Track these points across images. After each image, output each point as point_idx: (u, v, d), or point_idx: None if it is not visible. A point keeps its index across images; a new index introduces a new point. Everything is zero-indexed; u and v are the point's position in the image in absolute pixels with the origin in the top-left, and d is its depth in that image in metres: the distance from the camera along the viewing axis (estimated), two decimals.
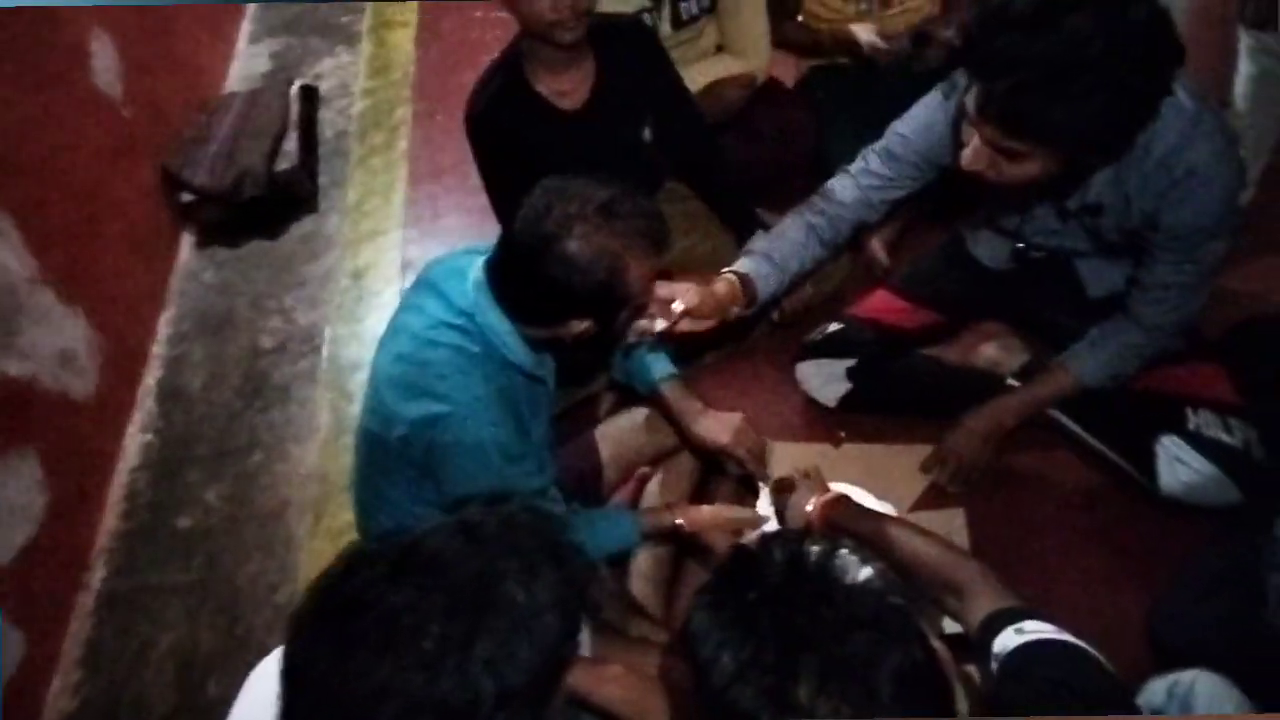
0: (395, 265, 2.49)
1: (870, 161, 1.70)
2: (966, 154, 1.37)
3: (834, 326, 1.92)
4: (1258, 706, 1.26)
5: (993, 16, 1.24)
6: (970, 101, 1.31)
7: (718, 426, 1.65)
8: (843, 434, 1.91)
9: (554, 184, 1.28)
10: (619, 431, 1.76)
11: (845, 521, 1.35)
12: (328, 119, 2.96)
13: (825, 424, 1.93)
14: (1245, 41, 1.85)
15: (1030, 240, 1.71)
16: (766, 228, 1.88)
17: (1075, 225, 1.60)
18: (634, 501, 1.78)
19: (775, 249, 1.70)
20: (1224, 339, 1.83)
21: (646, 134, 1.84)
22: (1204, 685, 1.29)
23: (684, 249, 1.96)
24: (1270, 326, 1.82)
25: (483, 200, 1.92)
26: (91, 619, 1.90)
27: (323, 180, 2.77)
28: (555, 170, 1.69)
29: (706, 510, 1.60)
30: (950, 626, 1.23)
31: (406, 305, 1.45)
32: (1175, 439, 1.65)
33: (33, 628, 1.77)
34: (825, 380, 1.90)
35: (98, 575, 1.96)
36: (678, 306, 1.48)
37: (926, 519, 1.69)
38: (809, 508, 1.41)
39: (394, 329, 1.42)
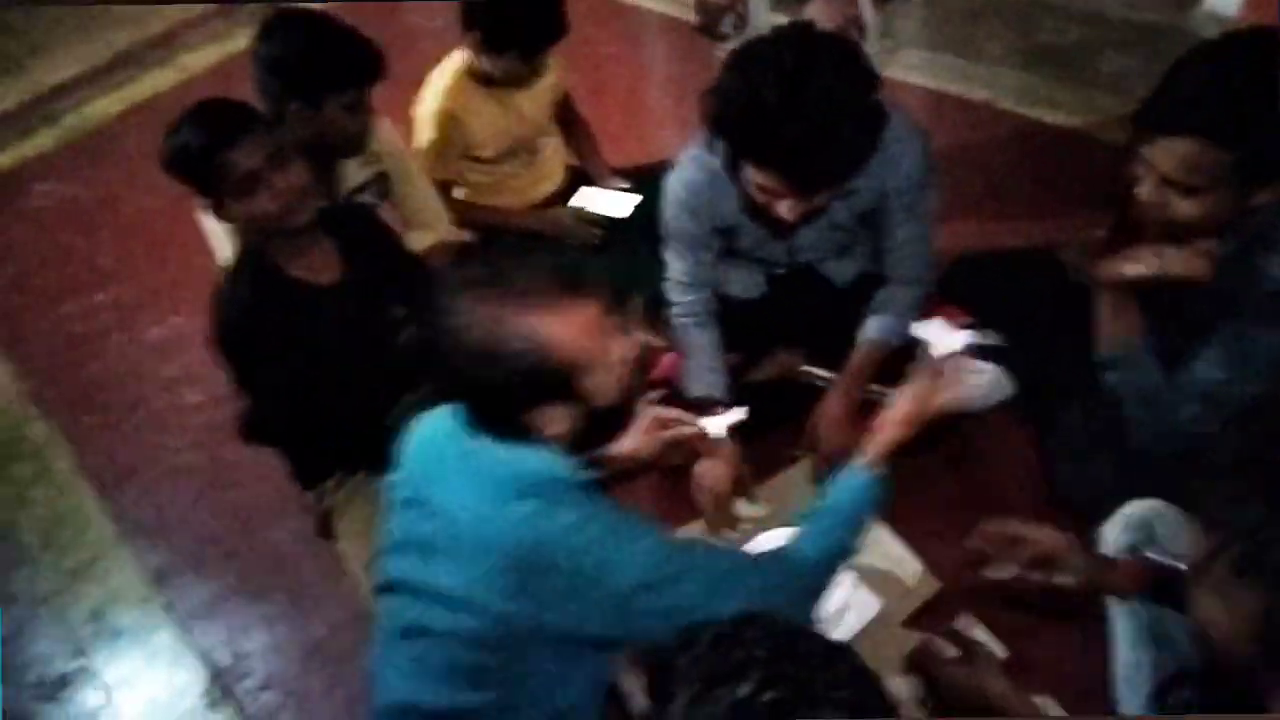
0: None
1: (678, 258, 1.85)
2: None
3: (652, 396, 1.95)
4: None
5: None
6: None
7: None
8: (795, 453, 1.96)
9: (447, 278, 1.17)
10: None
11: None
12: None
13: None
14: None
15: (800, 259, 1.90)
16: None
17: (815, 228, 1.80)
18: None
19: (709, 360, 1.87)
20: (941, 284, 2.14)
21: (399, 310, 1.80)
22: (1141, 507, 1.44)
23: None
24: (971, 264, 2.17)
25: None
26: None
27: None
28: (320, 350, 1.65)
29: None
30: None
31: (437, 515, 1.19)
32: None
33: None
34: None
35: None
36: None
37: None
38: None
39: (446, 549, 1.17)
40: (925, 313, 1.95)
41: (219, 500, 2.21)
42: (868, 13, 2.07)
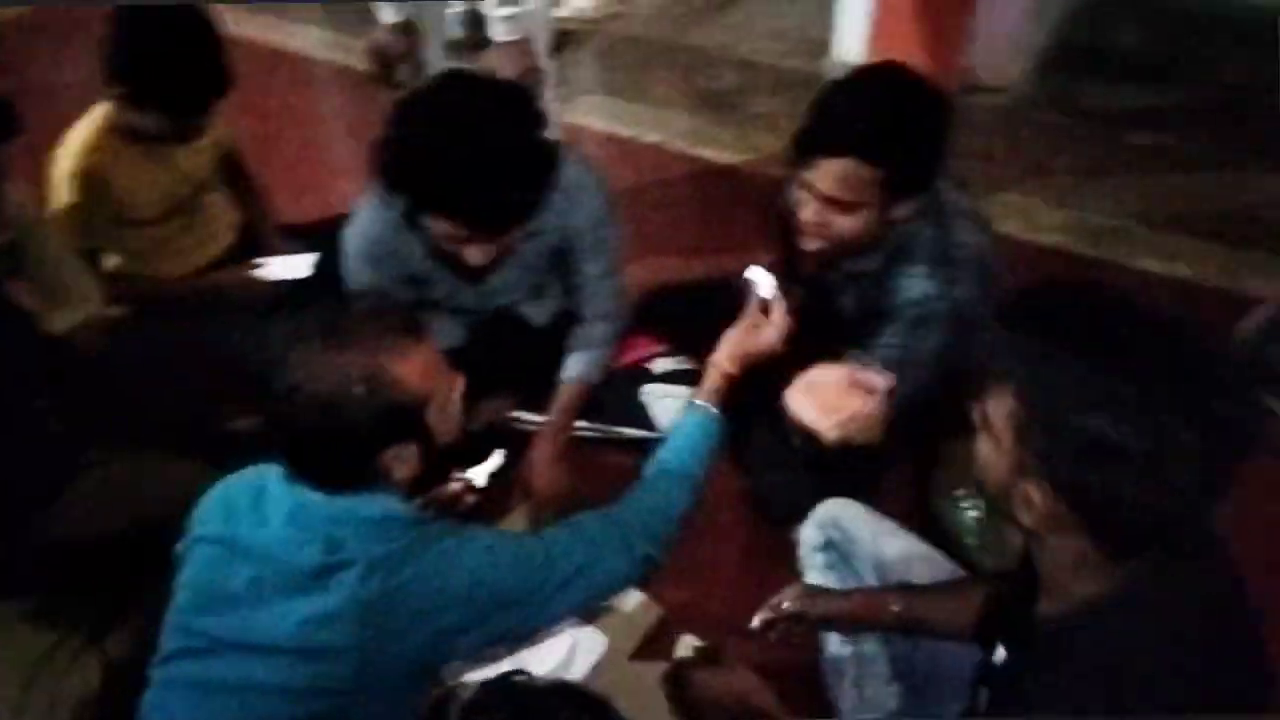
0: None
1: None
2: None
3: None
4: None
5: None
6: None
7: None
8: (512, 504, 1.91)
9: (278, 332, 1.18)
10: None
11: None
12: None
13: None
14: None
15: (495, 303, 1.89)
16: None
17: (507, 271, 1.80)
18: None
19: None
20: (635, 316, 2.23)
21: (41, 402, 1.63)
22: (830, 505, 1.57)
23: None
24: (661, 295, 2.28)
25: None
26: None
27: None
28: None
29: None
30: None
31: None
32: (652, 385, 2.07)
33: None
34: None
35: None
36: None
37: None
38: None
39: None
40: (623, 343, 2.04)
41: None
42: (543, 60, 2.12)
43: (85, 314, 1.92)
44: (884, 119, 1.42)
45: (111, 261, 2.08)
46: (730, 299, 2.12)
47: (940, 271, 1.52)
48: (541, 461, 1.85)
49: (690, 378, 2.00)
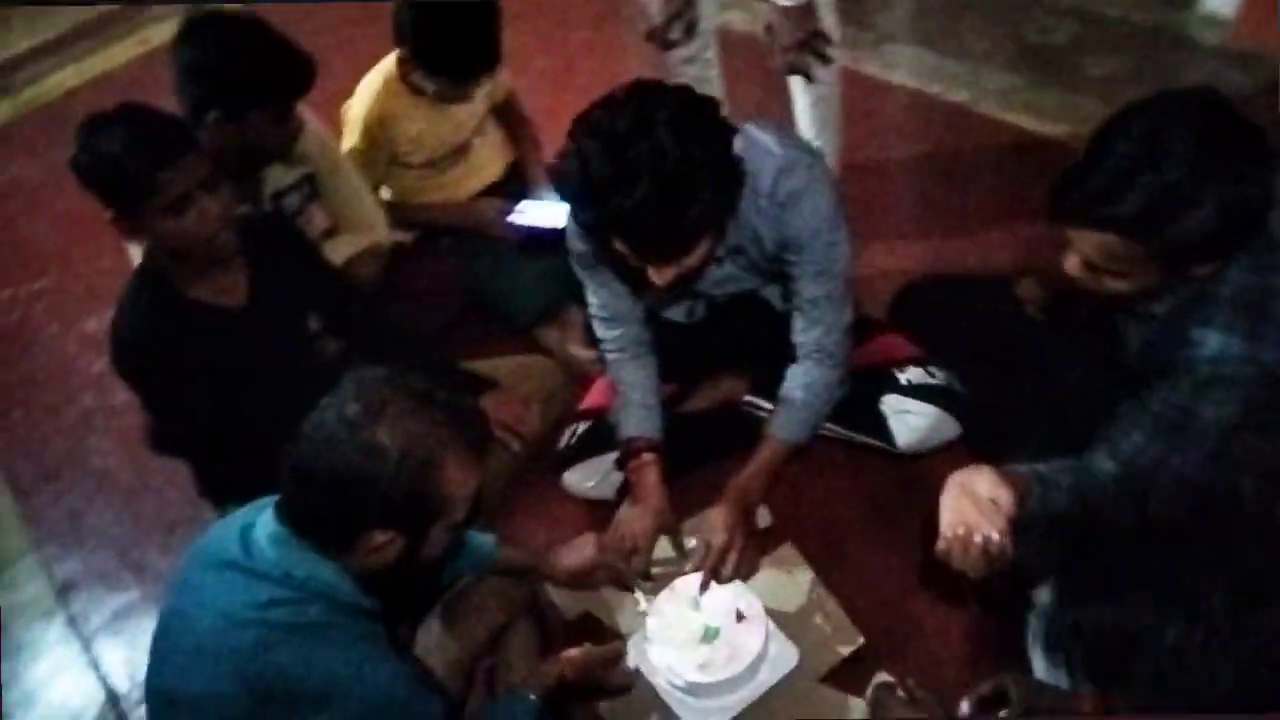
0: None
1: (593, 290, 1.75)
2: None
3: (582, 427, 1.90)
4: None
5: None
6: None
7: (573, 552, 1.63)
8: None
9: (364, 373, 1.16)
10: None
11: None
12: None
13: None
14: None
15: (707, 292, 1.79)
16: None
17: (733, 267, 1.70)
18: (489, 690, 1.55)
19: (642, 398, 1.78)
20: (891, 310, 2.04)
21: (314, 323, 1.76)
22: None
23: None
24: (923, 290, 2.05)
25: None
26: None
27: None
28: (226, 373, 1.55)
29: (576, 652, 1.43)
30: None
31: (183, 613, 1.18)
32: (894, 396, 1.83)
33: None
34: (598, 477, 1.87)
35: None
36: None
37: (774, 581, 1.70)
38: None
39: (182, 651, 1.15)
40: (868, 341, 1.86)
41: (138, 508, 2.14)
42: (829, 21, 1.93)
43: (373, 239, 2.09)
44: (1147, 189, 1.14)
45: (385, 194, 2.24)
46: (1003, 306, 1.89)
47: (1246, 325, 1.21)
48: (727, 520, 1.68)
49: (938, 395, 1.81)
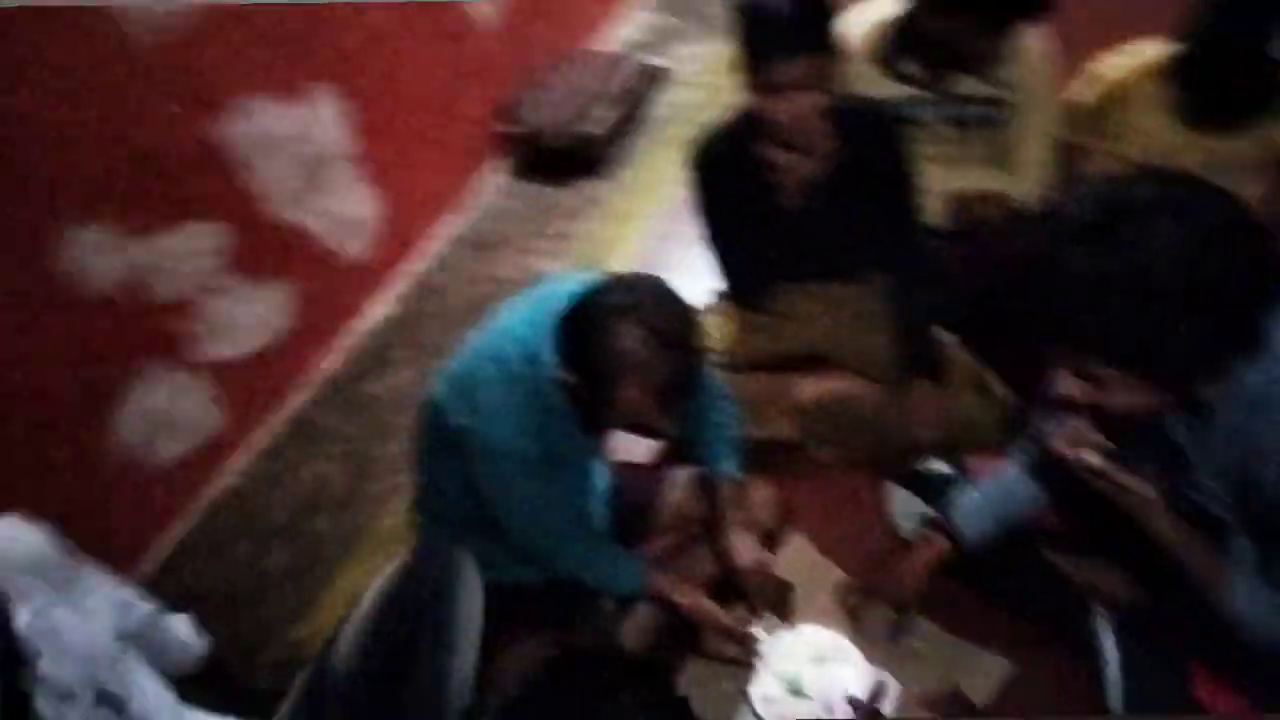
0: (638, 251, 2.72)
1: None
2: None
3: (942, 468, 1.88)
4: None
5: None
6: None
7: (743, 547, 1.67)
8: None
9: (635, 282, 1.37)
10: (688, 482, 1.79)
11: None
12: (662, 99, 3.24)
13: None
14: None
15: None
16: (930, 351, 1.91)
17: None
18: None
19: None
20: None
21: (863, 222, 1.82)
22: None
23: (839, 342, 2.00)
24: None
25: None
26: (279, 429, 2.35)
27: (623, 152, 3.08)
28: (767, 235, 1.77)
29: (708, 605, 1.61)
30: None
31: (513, 304, 1.52)
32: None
33: (237, 408, 2.24)
34: (908, 511, 1.85)
35: (298, 399, 2.41)
36: None
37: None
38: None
39: (494, 321, 1.51)
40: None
41: None
42: None
43: (1017, 188, 2.04)
44: (1140, 326, 1.06)
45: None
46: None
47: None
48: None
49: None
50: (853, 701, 1.39)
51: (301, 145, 2.29)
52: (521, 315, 1.46)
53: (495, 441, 1.42)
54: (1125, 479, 1.28)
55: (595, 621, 1.63)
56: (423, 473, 1.62)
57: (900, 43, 1.92)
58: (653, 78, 3.32)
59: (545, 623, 1.63)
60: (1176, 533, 1.28)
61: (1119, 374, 1.13)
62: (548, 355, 1.39)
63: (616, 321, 1.30)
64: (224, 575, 2.05)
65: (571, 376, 1.37)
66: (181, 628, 1.52)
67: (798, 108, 1.59)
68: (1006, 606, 1.64)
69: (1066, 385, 1.18)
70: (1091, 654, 1.47)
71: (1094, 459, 1.28)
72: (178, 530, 2.14)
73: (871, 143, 1.76)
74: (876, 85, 1.94)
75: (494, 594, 1.41)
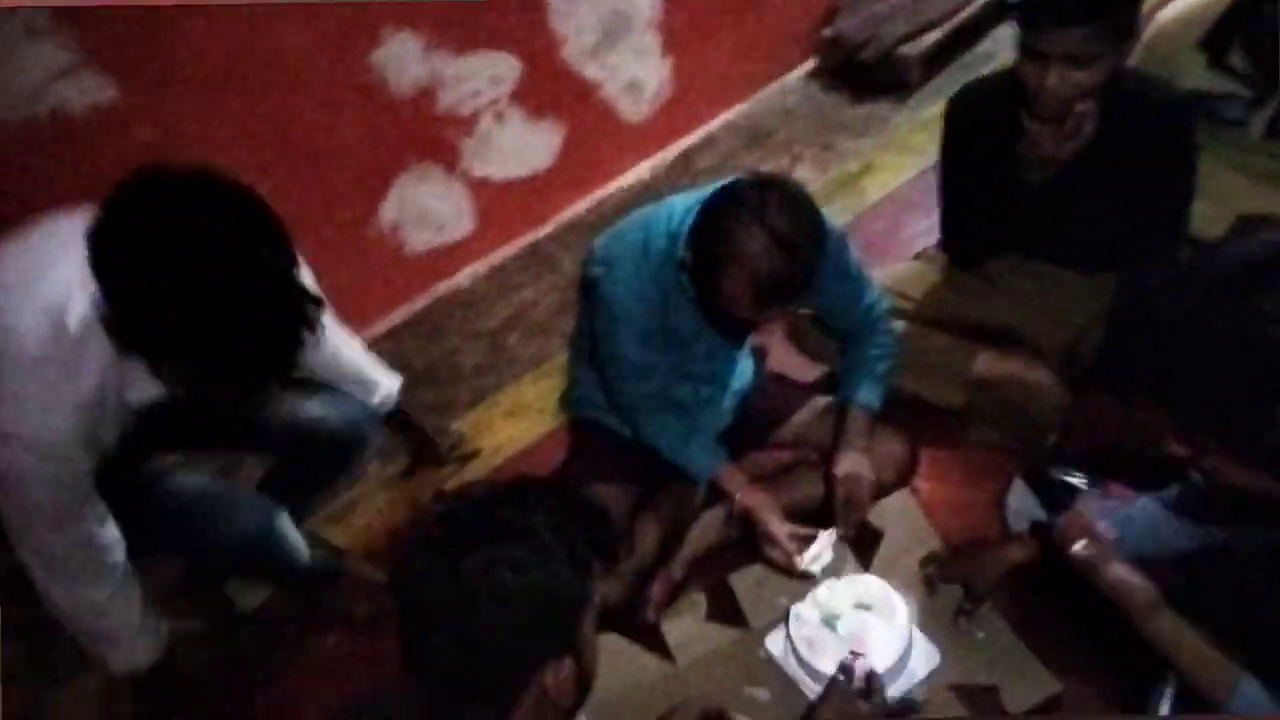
0: (897, 189, 2.63)
1: None
2: None
3: (1078, 481, 1.73)
4: None
5: None
6: None
7: (849, 460, 1.69)
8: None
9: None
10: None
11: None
12: (1000, 35, 3.02)
13: None
14: None
15: None
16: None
17: None
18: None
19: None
20: None
21: (1113, 214, 1.68)
22: None
23: (1039, 326, 1.89)
24: None
25: None
26: (514, 252, 2.62)
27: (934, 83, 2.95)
28: (1003, 201, 1.69)
29: (767, 508, 1.66)
30: None
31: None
32: None
33: (486, 223, 2.50)
34: (1022, 509, 1.74)
35: (539, 231, 2.65)
36: None
37: None
38: None
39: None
40: None
41: None
42: None
43: None
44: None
45: None
46: None
47: None
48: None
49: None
50: (844, 666, 1.38)
51: (608, 1, 2.44)
52: (690, 196, 1.54)
53: (614, 300, 1.54)
54: (1122, 574, 1.24)
55: (676, 502, 1.74)
56: (580, 313, 1.77)
57: (1232, 31, 1.69)
58: (998, 12, 3.06)
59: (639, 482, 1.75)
60: (1175, 633, 1.22)
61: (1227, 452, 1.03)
62: (683, 235, 1.48)
63: (737, 214, 1.37)
64: (426, 357, 2.38)
65: (690, 258, 1.45)
66: (390, 380, 1.80)
67: (1060, 82, 1.48)
68: (1081, 633, 1.56)
69: (1176, 449, 1.09)
70: (1140, 710, 1.38)
71: (1086, 551, 1.26)
72: (405, 310, 2.50)
73: (1149, 133, 1.58)
74: (1190, 73, 1.73)
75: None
